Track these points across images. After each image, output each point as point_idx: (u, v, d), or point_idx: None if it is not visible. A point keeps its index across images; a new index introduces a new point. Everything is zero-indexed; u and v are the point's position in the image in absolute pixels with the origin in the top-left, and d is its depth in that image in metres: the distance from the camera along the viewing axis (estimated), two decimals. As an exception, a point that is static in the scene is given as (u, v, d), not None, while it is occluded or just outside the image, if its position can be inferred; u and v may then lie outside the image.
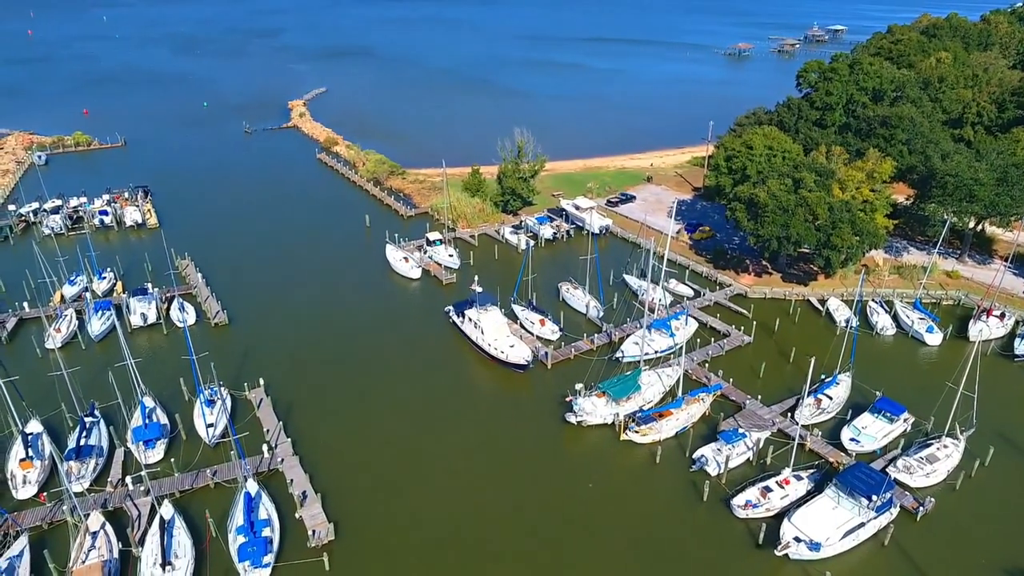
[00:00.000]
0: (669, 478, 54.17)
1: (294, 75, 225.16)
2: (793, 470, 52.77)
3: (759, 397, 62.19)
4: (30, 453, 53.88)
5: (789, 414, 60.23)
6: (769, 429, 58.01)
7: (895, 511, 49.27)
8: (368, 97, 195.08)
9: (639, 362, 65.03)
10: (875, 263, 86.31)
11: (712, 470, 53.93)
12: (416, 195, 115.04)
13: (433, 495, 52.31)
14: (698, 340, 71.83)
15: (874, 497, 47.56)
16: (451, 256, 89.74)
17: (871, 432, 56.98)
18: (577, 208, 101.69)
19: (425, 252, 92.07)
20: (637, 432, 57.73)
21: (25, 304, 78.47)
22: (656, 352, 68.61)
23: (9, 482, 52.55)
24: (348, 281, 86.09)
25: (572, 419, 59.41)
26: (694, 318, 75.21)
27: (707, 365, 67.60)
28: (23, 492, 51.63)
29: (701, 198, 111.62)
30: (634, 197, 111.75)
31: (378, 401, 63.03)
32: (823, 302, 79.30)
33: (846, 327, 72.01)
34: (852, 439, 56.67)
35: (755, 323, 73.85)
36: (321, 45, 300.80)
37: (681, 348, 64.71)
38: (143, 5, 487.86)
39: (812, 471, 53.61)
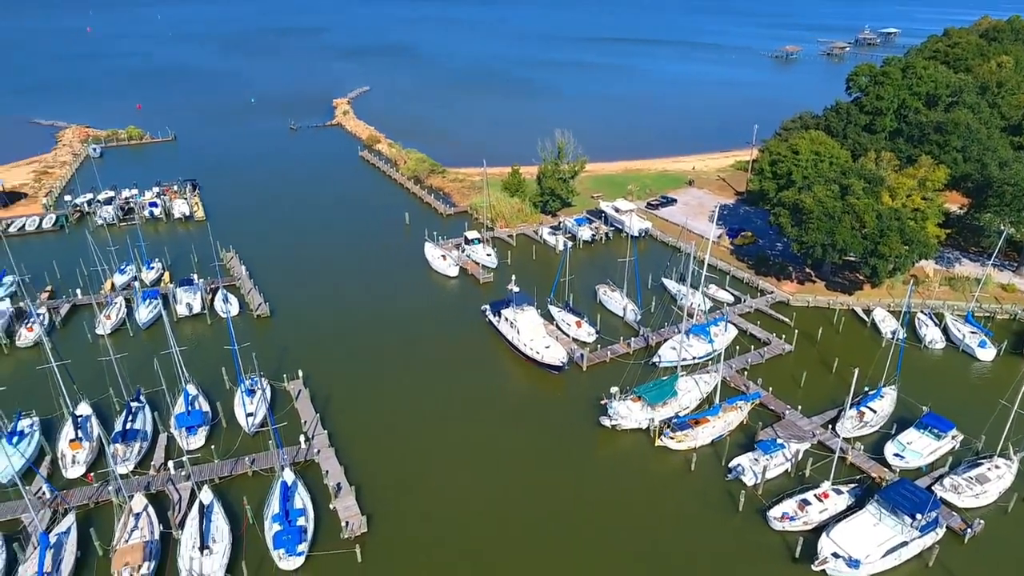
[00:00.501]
0: (704, 486, 53.36)
1: (339, 73, 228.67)
2: (833, 484, 51.46)
3: (799, 407, 60.81)
4: (79, 434, 55.83)
5: (830, 426, 58.73)
6: (809, 441, 56.68)
7: (941, 532, 47.65)
8: (410, 96, 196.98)
9: (676, 367, 64.23)
10: (925, 274, 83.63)
11: (748, 480, 52.93)
12: (455, 194, 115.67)
13: (465, 493, 52.47)
14: (737, 347, 70.62)
15: (918, 516, 46.05)
16: (489, 255, 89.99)
17: (917, 448, 55.21)
18: (617, 210, 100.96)
19: (463, 251, 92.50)
20: (672, 438, 57.01)
21: (78, 291, 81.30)
22: (694, 358, 67.69)
23: (59, 461, 54.51)
24: (387, 277, 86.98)
25: (606, 422, 58.96)
26: (734, 325, 73.95)
27: (746, 373, 66.41)
28: (72, 472, 53.47)
29: (744, 203, 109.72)
30: (675, 200, 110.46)
31: (413, 397, 63.52)
32: (868, 312, 77.17)
33: (892, 339, 70.04)
34: (896, 454, 54.97)
35: (797, 332, 72.25)
36: (365, 44, 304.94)
37: (719, 355, 63.65)
38: (195, 4, 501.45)
39: (853, 486, 52.17)
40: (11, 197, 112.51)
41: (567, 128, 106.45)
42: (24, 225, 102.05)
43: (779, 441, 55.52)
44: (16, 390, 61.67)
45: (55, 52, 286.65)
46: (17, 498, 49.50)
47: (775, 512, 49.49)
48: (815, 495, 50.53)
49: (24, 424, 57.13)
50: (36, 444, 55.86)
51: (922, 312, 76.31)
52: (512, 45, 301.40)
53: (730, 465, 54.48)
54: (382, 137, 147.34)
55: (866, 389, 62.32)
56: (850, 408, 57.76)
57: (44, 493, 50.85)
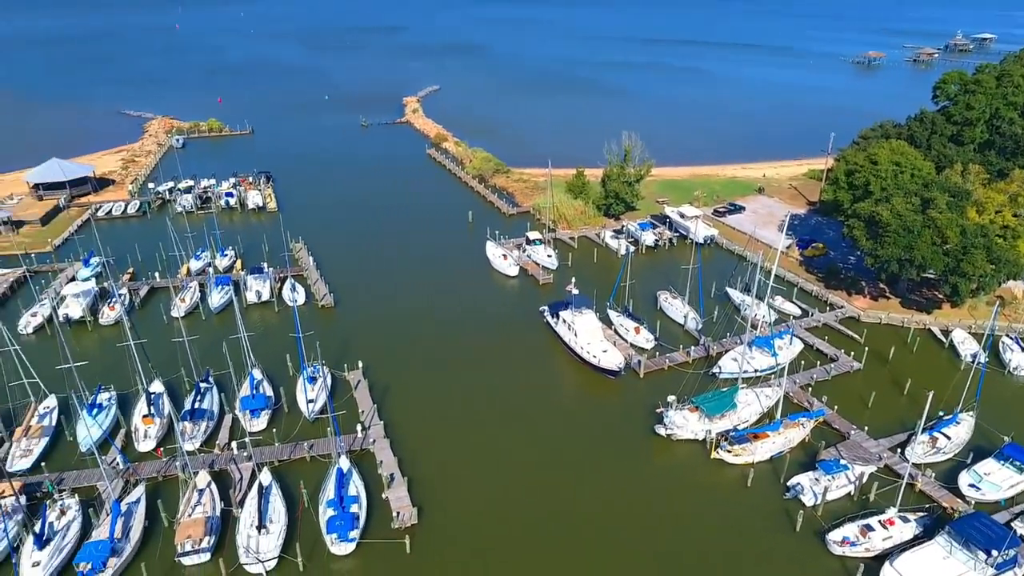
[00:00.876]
0: (760, 503, 51.73)
1: (410, 72, 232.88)
2: (899, 510, 49.02)
3: (866, 428, 58.19)
4: (152, 410, 58.66)
5: (899, 450, 55.94)
6: (875, 463, 54.15)
7: (1020, 572, 44.63)
8: (478, 95, 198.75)
9: (737, 379, 62.54)
10: (1012, 295, 78.75)
11: (808, 500, 51.02)
12: (519, 194, 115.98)
13: (515, 492, 52.46)
14: (802, 362, 68.19)
15: (994, 552, 43.31)
16: (549, 256, 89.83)
17: (995, 480, 51.95)
18: (682, 216, 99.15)
19: (524, 251, 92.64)
20: (729, 452, 55.53)
21: (156, 274, 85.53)
22: (756, 371, 65.76)
23: (133, 434, 57.41)
24: (448, 274, 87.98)
25: (661, 431, 57.96)
26: (799, 338, 71.45)
27: (810, 389, 64.04)
28: (144, 445, 56.21)
29: (816, 213, 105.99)
30: (743, 208, 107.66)
31: (469, 394, 63.98)
32: (947, 333, 73.24)
33: (972, 362, 66.27)
34: (972, 485, 51.88)
35: (867, 349, 69.22)
36: (438, 43, 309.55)
37: (783, 369, 61.63)
38: (276, 2, 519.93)
39: (922, 514, 49.56)
40: (101, 183, 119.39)
41: (634, 131, 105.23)
42: (111, 210, 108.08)
43: (843, 462, 53.25)
44: (98, 365, 65.24)
45: (145, 47, 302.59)
46: (93, 467, 52.38)
47: (835, 535, 47.55)
48: (879, 521, 48.26)
49: (103, 397, 60.44)
50: (113, 417, 58.97)
51: (1007, 335, 71.84)
52: (583, 46, 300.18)
53: (789, 483, 52.67)
54: (449, 135, 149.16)
55: (940, 414, 59.06)
56: (922, 433, 54.90)
57: (118, 464, 53.66)
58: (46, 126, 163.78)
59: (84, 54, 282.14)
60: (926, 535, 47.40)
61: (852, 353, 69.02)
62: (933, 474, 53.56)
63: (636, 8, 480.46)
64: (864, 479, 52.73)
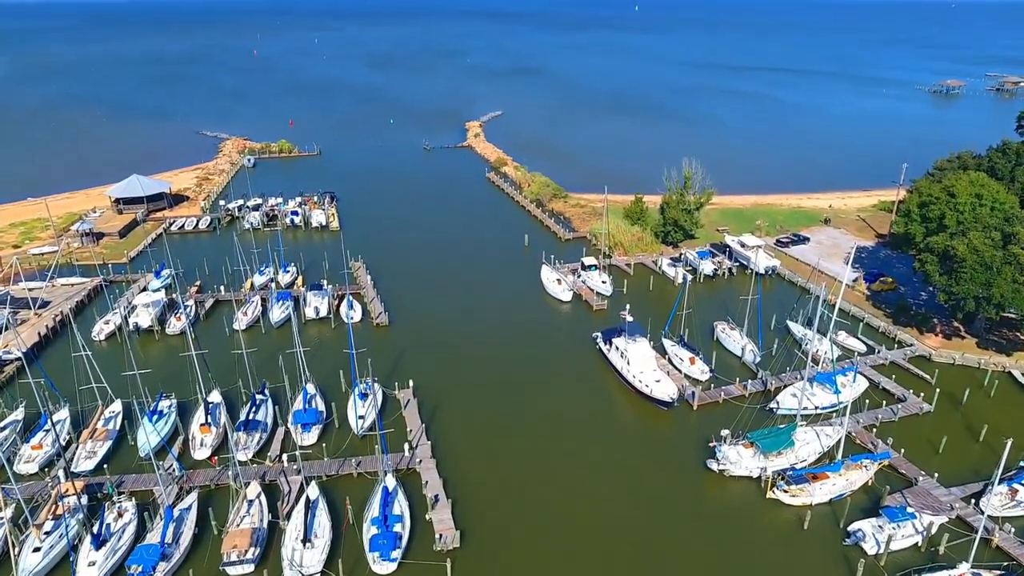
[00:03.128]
0: (817, 548, 49.07)
1: (475, 96, 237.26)
2: (973, 566, 45.57)
3: (936, 475, 54.64)
4: (209, 419, 60.35)
5: (973, 501, 52.33)
6: (945, 514, 50.69)
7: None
8: (540, 119, 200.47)
9: (795, 416, 59.97)
10: (1102, 339, 73.30)
11: (869, 548, 48.11)
12: (576, 219, 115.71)
13: (559, 521, 51.40)
14: (866, 401, 64.91)
15: (1078, 618, 39.78)
16: (604, 283, 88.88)
17: (1081, 539, 47.92)
18: (743, 245, 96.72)
19: (579, 276, 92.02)
20: (786, 492, 53.04)
21: (222, 288, 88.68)
22: (816, 408, 62.95)
23: (190, 442, 59.14)
24: (502, 297, 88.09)
25: (714, 466, 55.93)
26: (864, 376, 68.14)
27: (875, 430, 60.78)
28: (199, 453, 57.79)
29: (885, 246, 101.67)
30: (807, 239, 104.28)
31: (518, 418, 63.40)
32: (1029, 377, 68.58)
33: (1057, 410, 61.72)
34: (1054, 543, 47.99)
35: (938, 391, 65.31)
36: (501, 67, 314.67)
37: (846, 407, 58.73)
38: (348, 28, 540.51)
39: (999, 572, 45.96)
40: (176, 199, 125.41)
41: (696, 158, 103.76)
42: (184, 224, 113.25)
43: (909, 510, 50.11)
44: (161, 373, 67.80)
45: (225, 70, 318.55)
46: (151, 472, 54.06)
47: (899, 589, 44.63)
48: (949, 576, 45.08)
49: (164, 405, 62.57)
50: (172, 424, 60.89)
51: (1097, 383, 66.75)
52: (649, 72, 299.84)
53: (849, 529, 49.84)
54: (509, 160, 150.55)
55: (1021, 464, 55.07)
56: (999, 483, 51.18)
57: (174, 470, 55.27)
58: (130, 143, 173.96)
59: (169, 75, 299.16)
60: (1002, 595, 44.03)
61: (922, 394, 65.33)
62: (1012, 529, 49.74)
63: (704, 36, 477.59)
64: (933, 530, 49.39)
